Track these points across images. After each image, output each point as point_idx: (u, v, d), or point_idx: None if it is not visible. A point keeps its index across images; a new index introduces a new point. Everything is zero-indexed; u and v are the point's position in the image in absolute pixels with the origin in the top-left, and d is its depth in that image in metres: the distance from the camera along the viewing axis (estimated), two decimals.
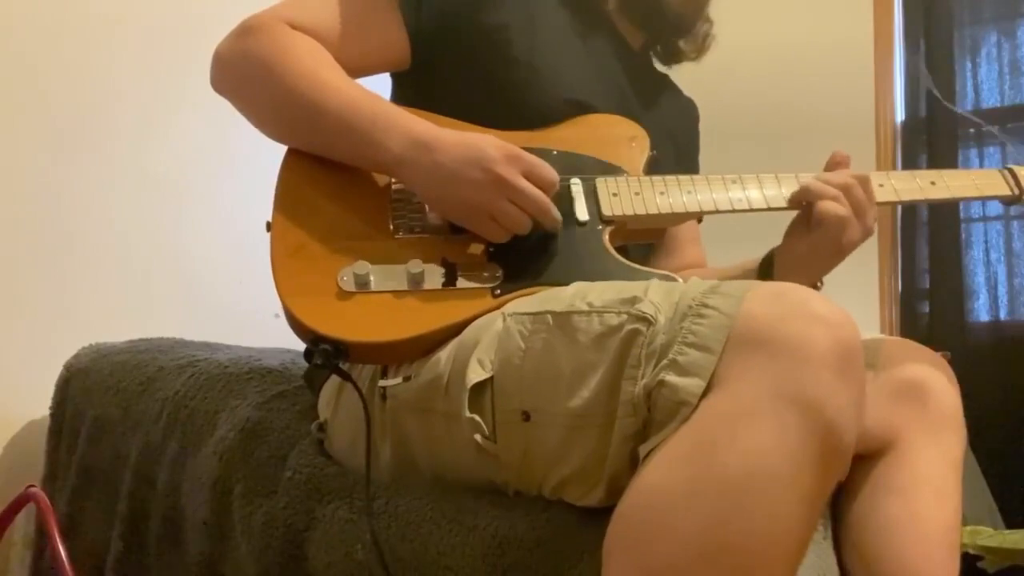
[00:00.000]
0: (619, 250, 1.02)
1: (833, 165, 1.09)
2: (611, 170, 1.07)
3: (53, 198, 1.65)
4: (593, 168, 1.07)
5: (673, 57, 1.34)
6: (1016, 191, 1.12)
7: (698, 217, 1.27)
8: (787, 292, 0.76)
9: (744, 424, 0.70)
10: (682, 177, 1.07)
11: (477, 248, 0.98)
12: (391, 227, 1.00)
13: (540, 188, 0.96)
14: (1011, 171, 1.13)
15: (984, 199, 1.16)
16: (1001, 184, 1.12)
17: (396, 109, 1.02)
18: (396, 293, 0.95)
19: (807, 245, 1.06)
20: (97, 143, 1.73)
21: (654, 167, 1.12)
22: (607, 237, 1.02)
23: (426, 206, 1.01)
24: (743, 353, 0.73)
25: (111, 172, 1.76)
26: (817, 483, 0.71)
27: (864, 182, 1.05)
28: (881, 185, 1.09)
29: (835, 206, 1.02)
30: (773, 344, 0.72)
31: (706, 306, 0.77)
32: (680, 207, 1.05)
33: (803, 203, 1.06)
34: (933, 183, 1.10)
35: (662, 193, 1.05)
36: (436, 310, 0.94)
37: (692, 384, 0.74)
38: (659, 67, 1.36)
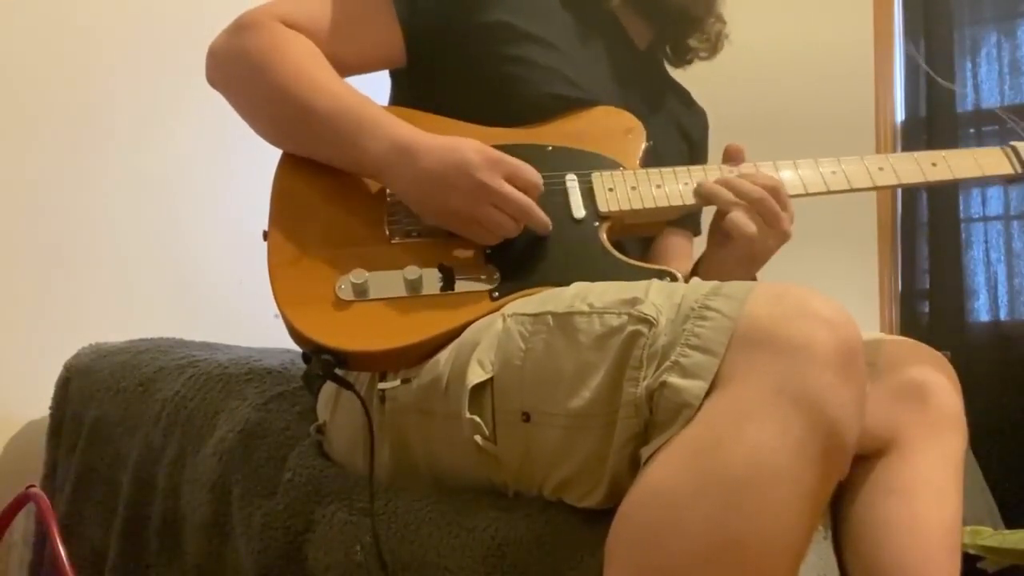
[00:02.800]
0: (617, 245, 1.02)
1: (728, 158, 1.07)
2: (607, 164, 1.07)
3: (53, 199, 1.65)
4: (589, 163, 1.06)
5: (684, 55, 1.32)
6: (1019, 168, 1.09)
7: (694, 230, 1.27)
8: (788, 292, 0.76)
9: (747, 423, 0.71)
10: (679, 169, 1.06)
11: (474, 251, 0.98)
12: (387, 232, 1.00)
13: (523, 191, 0.96)
14: (1013, 148, 1.11)
15: (986, 179, 1.13)
16: (1004, 162, 1.10)
17: (383, 114, 1.02)
18: (394, 300, 0.95)
19: (723, 253, 1.05)
20: (97, 144, 1.73)
21: (659, 159, 1.11)
22: (604, 234, 1.01)
23: None
24: (745, 354, 0.73)
25: (111, 173, 1.76)
26: (819, 481, 0.71)
27: (775, 191, 1.01)
28: (881, 168, 1.07)
29: (744, 220, 1.00)
30: (775, 344, 0.72)
31: (708, 308, 0.77)
32: (677, 199, 1.04)
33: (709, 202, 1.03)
34: (935, 164, 1.08)
35: (659, 186, 1.04)
36: (435, 316, 0.94)
37: (695, 386, 0.74)
38: (672, 71, 1.35)
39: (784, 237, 1.04)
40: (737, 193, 1.01)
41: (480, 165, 0.95)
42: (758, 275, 1.11)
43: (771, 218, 1.01)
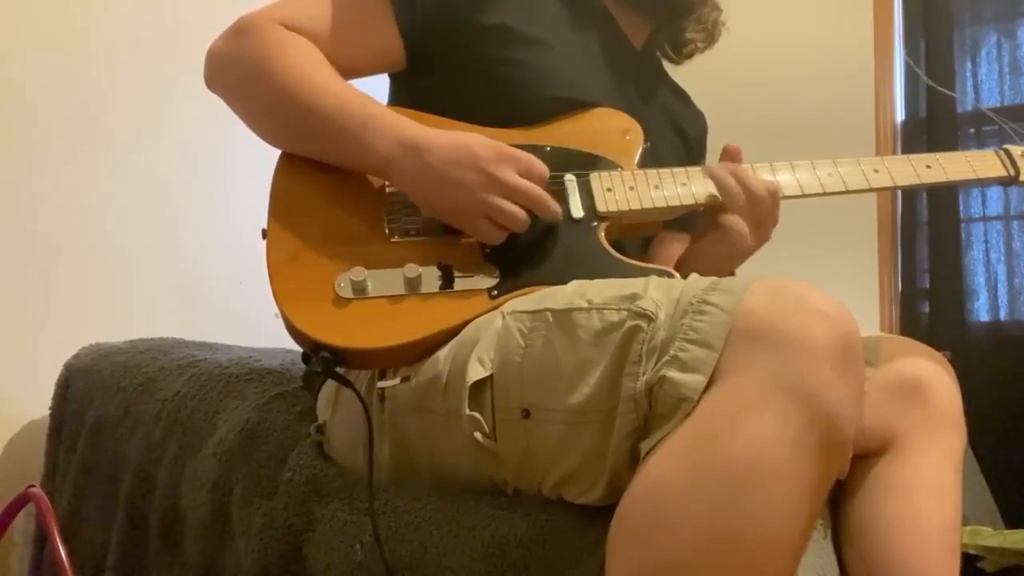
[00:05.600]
0: (616, 245, 1.02)
1: (726, 158, 1.08)
2: (605, 165, 1.07)
3: (53, 199, 1.65)
4: (587, 163, 1.07)
5: (681, 48, 1.32)
6: (1012, 171, 1.11)
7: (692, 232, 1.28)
8: (786, 287, 0.77)
9: (745, 417, 0.71)
10: (676, 170, 1.07)
11: (473, 249, 0.98)
12: (386, 230, 1.00)
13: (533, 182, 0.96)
14: (1006, 151, 1.12)
15: (981, 182, 1.14)
16: (997, 165, 1.12)
17: (387, 111, 1.02)
18: (393, 298, 0.95)
19: (704, 247, 1.08)
20: (96, 144, 1.73)
21: (657, 160, 1.11)
22: (603, 233, 1.01)
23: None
24: (743, 348, 0.74)
25: (110, 173, 1.76)
26: (818, 475, 0.71)
27: (774, 195, 1.04)
28: (877, 171, 1.09)
29: (741, 220, 1.02)
30: (773, 339, 0.73)
31: (707, 303, 0.78)
32: (675, 200, 1.04)
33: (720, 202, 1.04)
34: (929, 167, 1.10)
35: (656, 187, 1.05)
36: (434, 314, 0.94)
37: (694, 380, 0.74)
38: (673, 71, 1.35)
39: (765, 240, 1.06)
40: (742, 183, 1.02)
41: (490, 158, 0.95)
42: (736, 272, 1.13)
43: (762, 218, 1.03)
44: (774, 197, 1.04)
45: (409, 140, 0.98)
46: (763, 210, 1.03)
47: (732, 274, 1.14)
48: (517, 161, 0.96)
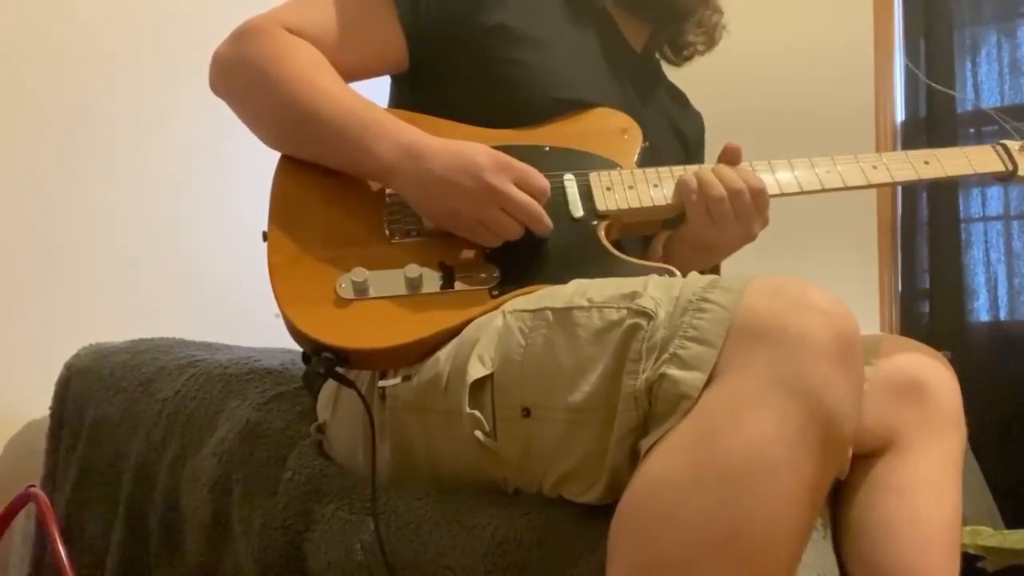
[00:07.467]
0: (616, 244, 1.02)
1: (725, 157, 1.09)
2: (604, 164, 1.07)
3: (54, 199, 1.66)
4: (586, 163, 1.07)
5: (682, 50, 1.32)
6: (1009, 166, 1.12)
7: None
8: (786, 284, 0.77)
9: (745, 414, 0.71)
10: (675, 168, 1.07)
11: (474, 250, 0.98)
12: (387, 232, 1.00)
13: (531, 195, 0.96)
14: (1003, 146, 1.13)
15: (980, 177, 1.15)
16: (994, 159, 1.13)
17: (389, 117, 1.02)
18: (395, 298, 0.95)
19: (678, 235, 1.09)
20: (97, 144, 1.74)
21: (656, 160, 1.12)
22: (603, 232, 1.02)
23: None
24: (743, 345, 0.74)
25: (111, 173, 1.76)
26: (817, 472, 0.71)
27: (757, 192, 1.04)
28: (875, 167, 1.09)
29: (701, 210, 1.03)
30: (773, 336, 0.73)
31: (706, 300, 0.78)
32: (674, 198, 1.05)
33: (692, 196, 1.04)
34: (927, 163, 1.11)
35: (656, 185, 1.06)
36: (435, 314, 0.94)
37: (693, 378, 0.74)
38: (674, 71, 1.36)
39: (749, 238, 1.07)
40: (721, 179, 1.03)
41: (489, 168, 0.95)
42: (721, 266, 1.16)
43: (741, 212, 1.03)
44: (758, 194, 1.04)
45: (409, 146, 0.98)
46: (741, 202, 1.03)
47: (717, 269, 1.16)
48: (516, 172, 0.96)
